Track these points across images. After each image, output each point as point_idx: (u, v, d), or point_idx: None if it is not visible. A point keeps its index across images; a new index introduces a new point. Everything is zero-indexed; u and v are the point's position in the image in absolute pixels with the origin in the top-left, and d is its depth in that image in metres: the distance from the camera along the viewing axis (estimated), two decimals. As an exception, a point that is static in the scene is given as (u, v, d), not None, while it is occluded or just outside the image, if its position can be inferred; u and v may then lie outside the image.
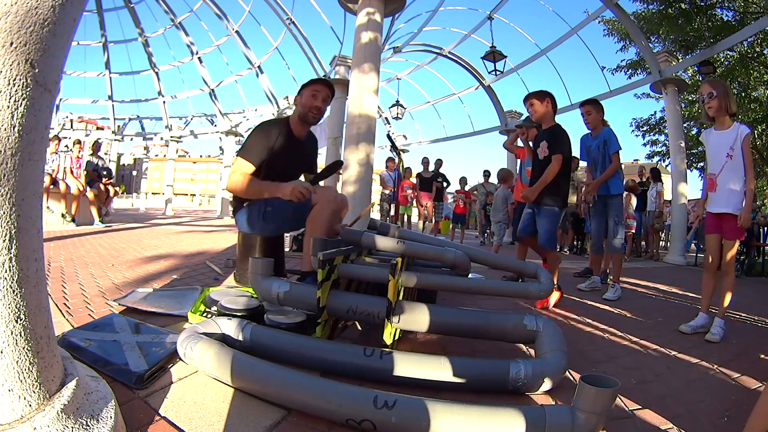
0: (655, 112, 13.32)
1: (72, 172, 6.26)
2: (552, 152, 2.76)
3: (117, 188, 7.73)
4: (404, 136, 14.42)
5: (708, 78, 2.32)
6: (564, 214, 2.91)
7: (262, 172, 2.19)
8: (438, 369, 1.26)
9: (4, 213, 0.69)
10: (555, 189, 2.76)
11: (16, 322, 0.71)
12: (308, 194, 2.03)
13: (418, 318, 1.49)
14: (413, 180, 8.91)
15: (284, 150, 2.24)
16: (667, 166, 12.63)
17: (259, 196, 2.17)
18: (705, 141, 2.40)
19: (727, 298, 2.19)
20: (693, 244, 8.04)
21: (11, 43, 0.68)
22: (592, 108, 3.33)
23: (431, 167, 8.81)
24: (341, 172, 4.85)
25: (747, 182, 2.19)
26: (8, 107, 0.68)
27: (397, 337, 1.57)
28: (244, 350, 1.30)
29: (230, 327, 1.40)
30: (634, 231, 6.98)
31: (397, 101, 12.20)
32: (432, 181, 8.63)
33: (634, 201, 6.94)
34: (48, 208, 5.80)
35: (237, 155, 2.19)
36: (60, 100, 13.44)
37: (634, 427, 1.16)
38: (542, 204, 2.78)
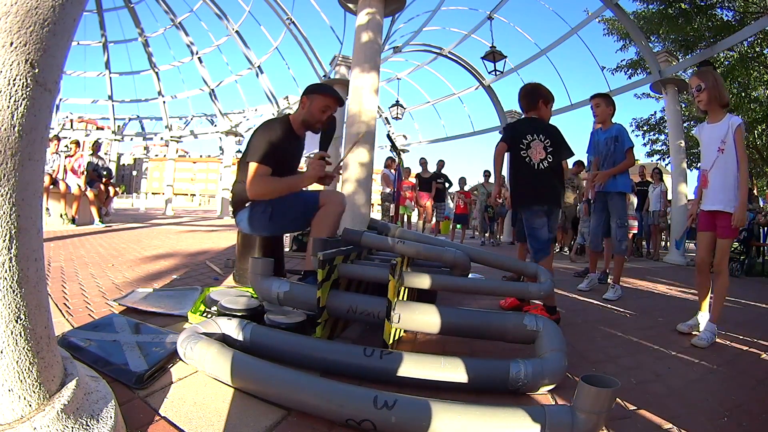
0: (655, 112, 13.40)
1: (74, 171, 6.26)
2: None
3: (117, 188, 7.73)
4: (404, 136, 14.42)
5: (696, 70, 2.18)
6: (557, 214, 2.72)
7: None
8: (438, 369, 1.26)
9: (4, 213, 0.69)
10: (514, 188, 2.54)
11: (16, 322, 0.71)
12: (324, 163, 2.11)
13: (418, 318, 1.49)
14: (412, 180, 8.92)
15: (287, 148, 2.25)
16: (667, 165, 12.65)
17: (288, 192, 2.17)
18: (698, 136, 2.32)
19: (721, 302, 2.08)
20: (692, 244, 8.04)
21: (11, 43, 0.68)
22: (601, 101, 3.32)
23: (431, 167, 8.81)
24: (341, 172, 4.84)
25: (740, 177, 2.07)
26: (8, 107, 0.68)
27: (397, 337, 1.58)
28: (244, 350, 1.30)
29: (230, 327, 1.40)
30: (635, 231, 6.97)
31: (397, 101, 12.19)
32: (431, 182, 8.64)
33: (634, 200, 6.94)
34: (47, 209, 5.79)
35: (248, 160, 2.13)
36: (60, 100, 13.42)
37: (634, 427, 1.16)
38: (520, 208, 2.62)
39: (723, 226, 2.13)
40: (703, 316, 2.21)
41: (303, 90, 2.34)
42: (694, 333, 2.16)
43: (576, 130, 11.08)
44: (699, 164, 2.51)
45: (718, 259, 2.15)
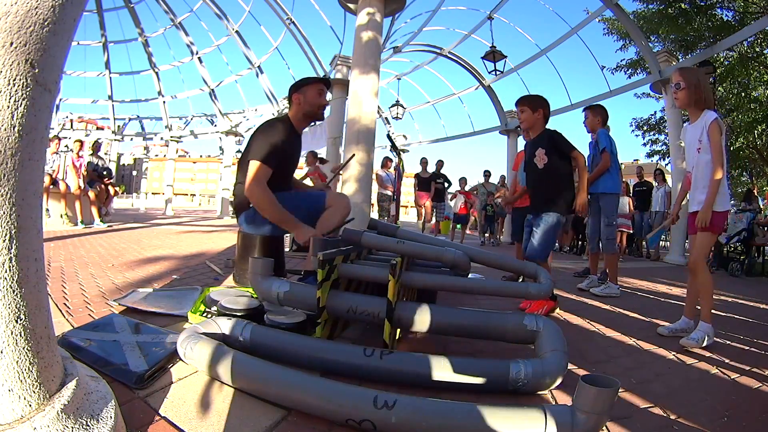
0: (655, 112, 13.41)
1: (76, 171, 6.26)
2: (569, 151, 2.47)
3: (117, 188, 7.73)
4: (404, 136, 14.42)
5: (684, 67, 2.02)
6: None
7: None
8: (438, 369, 1.26)
9: (4, 213, 0.69)
10: (557, 193, 2.47)
11: (16, 322, 0.71)
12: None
13: (418, 318, 1.49)
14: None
15: (288, 148, 2.27)
16: (667, 165, 12.65)
17: (275, 221, 2.17)
18: (683, 138, 2.24)
19: (708, 300, 1.99)
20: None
21: (11, 43, 0.68)
22: (589, 112, 3.52)
23: (431, 168, 8.81)
24: (341, 173, 4.86)
25: (712, 174, 1.96)
26: (8, 107, 0.68)
27: (397, 337, 1.57)
28: (244, 350, 1.30)
29: (230, 327, 1.40)
30: (626, 230, 6.97)
31: (397, 101, 12.21)
32: (430, 181, 8.64)
33: (628, 201, 6.94)
34: (47, 210, 5.79)
35: (250, 159, 2.13)
36: (60, 100, 13.44)
37: (634, 427, 1.16)
38: (543, 211, 2.48)
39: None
40: (686, 322, 2.11)
41: (289, 91, 2.37)
42: (677, 336, 2.05)
43: (576, 129, 11.08)
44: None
45: (694, 255, 2.03)
